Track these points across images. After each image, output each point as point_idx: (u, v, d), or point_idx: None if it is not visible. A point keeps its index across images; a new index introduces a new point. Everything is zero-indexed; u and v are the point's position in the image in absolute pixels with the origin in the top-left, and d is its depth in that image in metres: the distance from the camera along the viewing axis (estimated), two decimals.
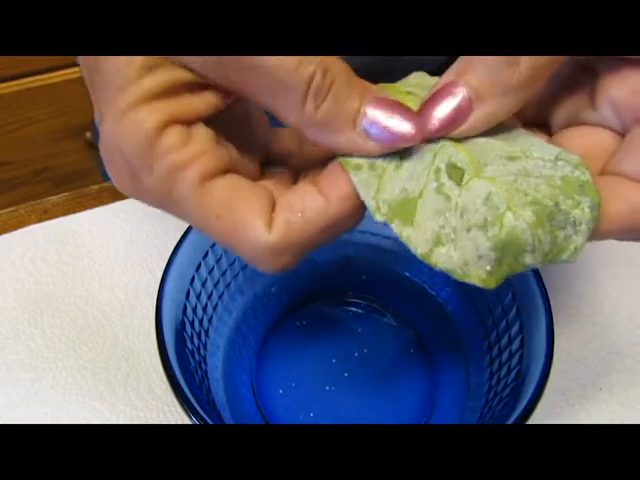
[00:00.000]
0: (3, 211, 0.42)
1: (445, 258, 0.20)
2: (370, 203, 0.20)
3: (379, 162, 0.21)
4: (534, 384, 0.26)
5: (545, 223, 0.19)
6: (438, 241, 0.20)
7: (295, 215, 0.21)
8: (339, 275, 0.39)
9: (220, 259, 0.33)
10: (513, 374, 0.29)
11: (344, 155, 0.21)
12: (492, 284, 0.20)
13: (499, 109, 0.21)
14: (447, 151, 0.21)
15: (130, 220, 0.42)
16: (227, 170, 0.21)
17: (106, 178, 0.62)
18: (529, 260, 0.20)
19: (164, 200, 0.21)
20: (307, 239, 0.21)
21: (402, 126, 0.20)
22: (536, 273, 0.30)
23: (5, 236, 0.41)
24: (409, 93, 0.23)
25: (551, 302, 0.29)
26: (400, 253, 0.38)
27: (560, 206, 0.20)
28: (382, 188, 0.21)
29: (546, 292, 0.29)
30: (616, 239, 0.22)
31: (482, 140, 0.21)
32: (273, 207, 0.21)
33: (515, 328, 0.31)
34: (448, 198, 0.20)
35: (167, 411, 0.34)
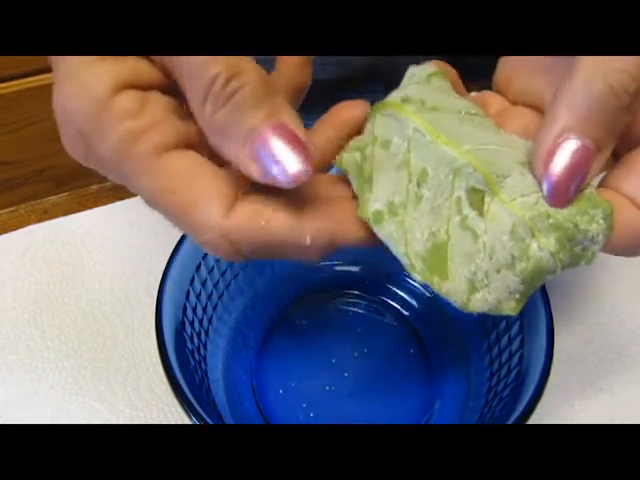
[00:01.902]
0: (3, 211, 0.42)
1: (481, 303, 0.21)
2: (404, 261, 0.21)
3: (397, 200, 0.21)
4: (534, 384, 0.26)
5: (566, 246, 0.20)
6: (473, 289, 0.21)
7: (259, 218, 0.20)
8: (339, 275, 0.39)
9: (220, 259, 0.33)
10: (513, 374, 0.29)
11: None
12: (519, 310, 0.21)
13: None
14: (464, 173, 0.20)
15: (130, 220, 0.42)
16: (189, 146, 0.20)
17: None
18: (550, 277, 0.21)
19: (117, 170, 0.20)
20: (259, 245, 0.20)
21: (293, 166, 0.18)
22: None
23: (5, 236, 0.41)
24: (405, 100, 0.22)
25: (551, 302, 0.29)
26: None
27: (579, 226, 0.20)
28: (410, 239, 0.21)
29: (546, 292, 0.29)
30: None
31: (492, 147, 0.21)
32: (235, 195, 0.20)
33: (515, 328, 0.31)
34: (475, 235, 0.20)
35: (167, 411, 0.34)
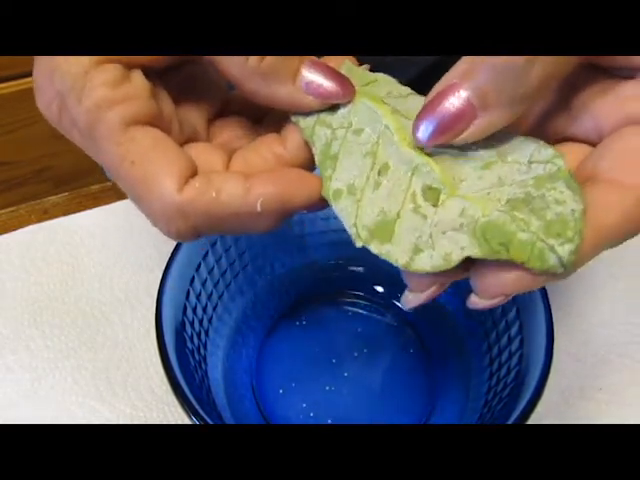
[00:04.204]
0: (3, 211, 0.42)
1: (426, 260, 0.21)
2: (351, 231, 0.22)
3: (357, 183, 0.22)
4: (534, 384, 0.26)
5: (522, 207, 0.19)
6: (417, 249, 0.21)
7: (209, 190, 0.20)
8: (339, 275, 0.39)
9: (220, 259, 0.33)
10: (513, 374, 0.29)
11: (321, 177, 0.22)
12: (490, 253, 0.20)
13: (502, 119, 0.20)
14: (422, 172, 0.21)
15: (130, 220, 0.42)
16: (155, 125, 0.21)
17: (108, 177, 0.62)
18: (526, 236, 0.19)
19: (86, 134, 0.21)
20: (211, 218, 0.21)
21: (332, 86, 0.22)
22: None
23: (5, 236, 0.41)
24: (386, 98, 0.23)
25: (551, 302, 0.29)
26: None
27: (532, 194, 0.20)
28: (361, 213, 0.22)
29: (546, 292, 0.29)
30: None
31: (456, 151, 0.21)
32: (192, 174, 0.21)
33: (515, 328, 0.31)
34: (424, 217, 0.21)
35: (167, 411, 0.34)
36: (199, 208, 0.20)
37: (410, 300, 0.23)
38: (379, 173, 0.22)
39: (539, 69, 0.19)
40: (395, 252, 0.21)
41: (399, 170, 0.22)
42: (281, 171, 0.22)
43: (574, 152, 0.22)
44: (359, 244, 0.22)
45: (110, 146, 0.20)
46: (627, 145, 0.20)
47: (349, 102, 0.23)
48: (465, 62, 0.20)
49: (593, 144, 0.21)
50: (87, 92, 0.20)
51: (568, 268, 0.19)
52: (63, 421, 0.33)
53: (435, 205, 0.21)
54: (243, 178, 0.21)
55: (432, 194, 0.21)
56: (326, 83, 0.22)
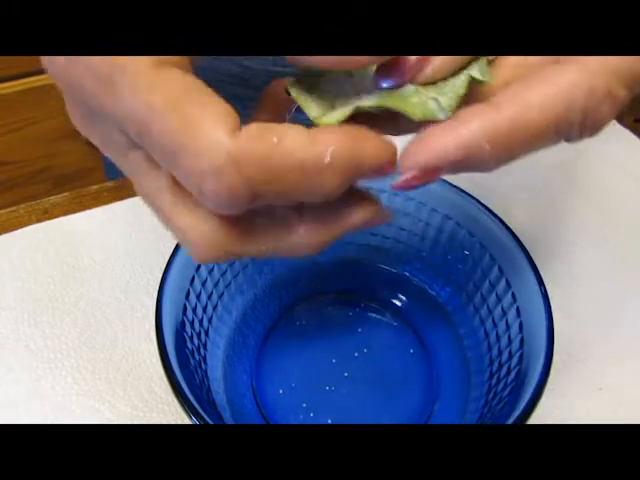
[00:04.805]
0: (3, 211, 0.42)
1: (338, 115, 0.21)
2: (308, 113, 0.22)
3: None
4: (534, 384, 0.26)
5: (430, 86, 0.21)
6: (331, 107, 0.22)
7: (269, 135, 0.17)
8: (339, 275, 0.39)
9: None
10: (513, 374, 0.29)
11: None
12: (381, 104, 0.21)
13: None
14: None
15: (130, 220, 0.42)
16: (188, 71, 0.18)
17: (108, 176, 0.62)
18: (417, 98, 0.21)
19: (105, 80, 0.17)
20: (271, 169, 0.17)
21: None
22: (536, 273, 0.30)
23: (5, 236, 0.41)
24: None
25: (551, 302, 0.29)
26: (400, 253, 0.38)
27: (446, 79, 0.21)
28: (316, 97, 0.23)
29: (546, 292, 0.29)
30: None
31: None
32: (237, 117, 0.18)
33: (515, 328, 0.31)
34: (350, 76, 0.22)
35: (167, 411, 0.34)
36: (257, 157, 0.17)
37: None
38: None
39: None
40: (311, 106, 0.22)
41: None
42: (352, 127, 0.19)
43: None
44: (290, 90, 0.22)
45: (137, 93, 0.17)
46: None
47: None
48: None
49: None
50: None
51: (447, 113, 0.20)
52: (63, 421, 0.33)
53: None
54: (306, 130, 0.18)
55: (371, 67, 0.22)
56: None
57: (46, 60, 0.19)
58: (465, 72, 0.21)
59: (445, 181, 0.33)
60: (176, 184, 0.20)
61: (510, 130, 0.18)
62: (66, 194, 0.44)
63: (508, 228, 0.32)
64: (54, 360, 0.36)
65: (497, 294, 0.32)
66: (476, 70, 0.21)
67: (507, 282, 0.32)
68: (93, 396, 0.34)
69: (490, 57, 0.21)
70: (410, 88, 0.21)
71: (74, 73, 0.18)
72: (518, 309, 0.31)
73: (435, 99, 0.20)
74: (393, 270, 0.38)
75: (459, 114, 0.19)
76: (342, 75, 0.22)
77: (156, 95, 0.17)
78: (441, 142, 0.18)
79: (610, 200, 0.46)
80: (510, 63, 0.20)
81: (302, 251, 0.22)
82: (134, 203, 0.43)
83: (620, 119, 0.52)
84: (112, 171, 0.60)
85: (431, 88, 0.21)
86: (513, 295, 0.31)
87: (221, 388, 0.32)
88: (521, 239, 0.31)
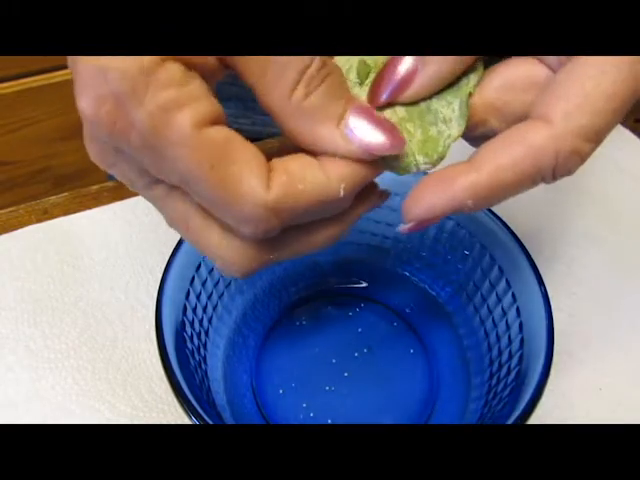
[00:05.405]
0: (3, 211, 0.42)
1: None
2: None
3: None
4: (534, 384, 0.26)
5: (415, 119, 0.22)
6: None
7: (295, 182, 0.20)
8: (339, 275, 0.39)
9: None
10: (513, 374, 0.29)
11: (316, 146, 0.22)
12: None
13: (443, 69, 0.21)
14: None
15: (130, 220, 0.42)
16: (222, 123, 0.20)
17: (108, 176, 0.62)
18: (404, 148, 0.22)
19: (150, 138, 0.19)
20: (300, 209, 0.20)
21: (379, 138, 0.21)
22: (536, 273, 0.30)
23: (5, 236, 0.41)
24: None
25: (551, 302, 0.29)
26: (400, 253, 0.38)
27: (431, 107, 0.22)
28: None
29: (546, 292, 0.29)
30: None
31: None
32: (269, 169, 0.20)
33: (515, 328, 0.31)
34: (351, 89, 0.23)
35: (167, 411, 0.34)
36: (289, 203, 0.20)
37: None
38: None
39: None
40: None
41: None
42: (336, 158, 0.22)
43: (521, 65, 0.23)
44: None
45: (184, 151, 0.19)
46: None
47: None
48: None
49: (547, 65, 0.23)
50: (152, 93, 0.18)
51: (427, 166, 0.23)
52: (63, 421, 0.33)
53: (362, 83, 0.22)
54: (317, 163, 0.21)
55: (364, 70, 0.22)
56: (373, 133, 0.21)
57: (88, 110, 0.19)
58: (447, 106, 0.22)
59: None
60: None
61: (489, 189, 0.21)
62: (66, 194, 0.44)
63: (508, 228, 0.32)
64: (54, 360, 0.36)
65: (497, 294, 0.32)
66: (457, 104, 0.22)
67: (507, 282, 0.32)
68: (93, 396, 0.34)
69: (471, 90, 0.22)
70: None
71: (118, 129, 0.19)
72: (518, 309, 0.31)
73: (417, 163, 0.22)
74: (393, 270, 0.38)
75: (446, 172, 0.21)
76: None
77: (200, 154, 0.19)
78: (431, 201, 0.21)
79: (610, 200, 0.46)
80: (493, 86, 0.22)
81: (321, 245, 0.24)
82: (134, 203, 0.43)
83: None
84: None
85: (416, 120, 0.22)
86: (513, 295, 0.31)
87: (221, 388, 0.32)
88: (521, 239, 0.31)
